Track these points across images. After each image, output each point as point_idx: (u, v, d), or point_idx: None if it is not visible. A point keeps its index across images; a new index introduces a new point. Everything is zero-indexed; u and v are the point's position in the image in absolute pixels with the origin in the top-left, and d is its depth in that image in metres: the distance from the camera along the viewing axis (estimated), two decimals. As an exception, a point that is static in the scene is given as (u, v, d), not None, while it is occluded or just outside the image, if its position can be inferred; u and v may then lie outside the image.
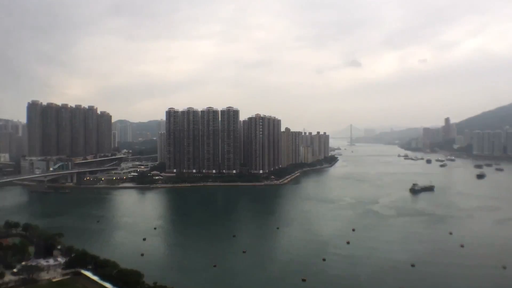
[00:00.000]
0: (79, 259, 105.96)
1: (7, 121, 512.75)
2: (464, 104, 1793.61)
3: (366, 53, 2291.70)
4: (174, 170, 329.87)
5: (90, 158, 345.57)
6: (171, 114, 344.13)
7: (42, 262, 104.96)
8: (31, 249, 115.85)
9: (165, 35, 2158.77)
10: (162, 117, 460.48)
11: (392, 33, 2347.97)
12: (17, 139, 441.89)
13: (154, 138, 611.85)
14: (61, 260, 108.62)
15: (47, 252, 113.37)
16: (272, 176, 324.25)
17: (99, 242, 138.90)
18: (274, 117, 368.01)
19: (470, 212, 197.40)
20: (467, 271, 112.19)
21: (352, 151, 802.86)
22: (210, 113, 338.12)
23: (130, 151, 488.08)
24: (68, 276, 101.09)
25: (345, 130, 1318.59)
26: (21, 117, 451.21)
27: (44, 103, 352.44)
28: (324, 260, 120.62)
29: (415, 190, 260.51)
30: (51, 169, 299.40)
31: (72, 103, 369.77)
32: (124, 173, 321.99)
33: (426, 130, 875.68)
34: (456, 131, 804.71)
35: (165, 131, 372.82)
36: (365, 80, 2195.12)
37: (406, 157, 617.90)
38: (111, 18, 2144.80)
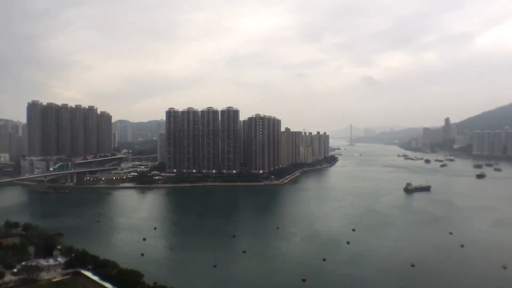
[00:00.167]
0: (79, 259, 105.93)
1: (7, 121, 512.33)
2: (464, 104, 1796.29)
3: (366, 53, 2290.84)
4: (174, 170, 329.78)
5: (90, 158, 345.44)
6: (171, 114, 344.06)
7: (42, 262, 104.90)
8: (31, 249, 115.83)
9: (165, 34, 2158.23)
10: (162, 117, 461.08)
11: (392, 33, 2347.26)
12: (17, 139, 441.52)
13: (154, 138, 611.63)
14: (61, 260, 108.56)
15: (47, 252, 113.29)
16: (272, 176, 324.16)
17: (99, 242, 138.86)
18: (274, 117, 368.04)
19: (468, 212, 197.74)
20: (467, 271, 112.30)
21: (359, 153, 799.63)
22: (210, 113, 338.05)
23: (130, 151, 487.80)
24: (68, 276, 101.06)
25: (345, 130, 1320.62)
26: (21, 117, 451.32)
27: (44, 103, 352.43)
28: (324, 260, 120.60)
29: (408, 190, 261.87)
30: (51, 169, 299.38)
31: (72, 103, 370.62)
32: (124, 173, 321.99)
33: (426, 130, 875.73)
34: (456, 131, 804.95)
35: (165, 131, 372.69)
36: (365, 80, 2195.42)
37: (405, 157, 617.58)
38: (111, 17, 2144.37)
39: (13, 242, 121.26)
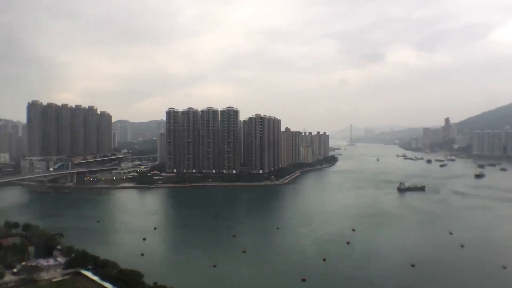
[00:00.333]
0: (79, 259, 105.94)
1: (7, 121, 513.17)
2: (464, 104, 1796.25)
3: (365, 53, 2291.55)
4: (174, 170, 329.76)
5: (90, 158, 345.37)
6: (171, 114, 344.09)
7: (42, 262, 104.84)
8: (31, 249, 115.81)
9: (165, 34, 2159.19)
10: (162, 117, 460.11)
11: (391, 33, 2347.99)
12: (17, 139, 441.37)
13: (154, 138, 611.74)
14: (61, 260, 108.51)
15: (47, 252, 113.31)
16: (272, 176, 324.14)
17: (99, 242, 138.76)
18: (274, 117, 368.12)
19: (465, 212, 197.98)
20: (467, 271, 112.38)
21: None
22: (210, 113, 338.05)
23: (130, 151, 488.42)
24: (68, 276, 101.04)
25: (345, 130, 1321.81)
26: (21, 117, 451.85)
27: (44, 103, 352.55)
28: (324, 260, 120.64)
29: (401, 189, 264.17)
30: (51, 169, 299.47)
31: (72, 103, 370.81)
32: (124, 173, 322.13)
33: (426, 130, 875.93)
34: (456, 131, 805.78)
35: (165, 131, 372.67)
36: (365, 80, 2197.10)
37: (405, 157, 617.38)
38: (111, 17, 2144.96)
39: (13, 242, 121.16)
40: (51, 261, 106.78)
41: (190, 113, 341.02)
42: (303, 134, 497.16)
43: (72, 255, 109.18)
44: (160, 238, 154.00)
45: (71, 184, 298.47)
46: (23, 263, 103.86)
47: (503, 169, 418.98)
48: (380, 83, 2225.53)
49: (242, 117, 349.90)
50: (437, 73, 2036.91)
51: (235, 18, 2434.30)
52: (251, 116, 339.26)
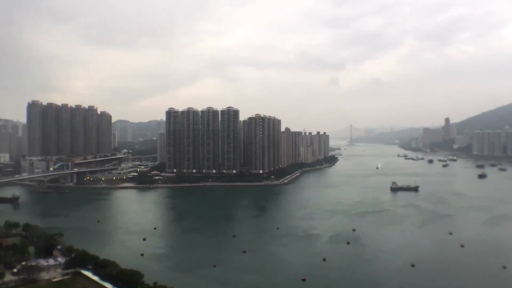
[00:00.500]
0: (79, 259, 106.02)
1: (7, 121, 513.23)
2: (464, 104, 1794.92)
3: (365, 53, 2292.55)
4: (174, 170, 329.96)
5: (90, 158, 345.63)
6: (171, 114, 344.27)
7: (42, 262, 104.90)
8: (31, 249, 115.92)
9: (164, 33, 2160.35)
10: (162, 117, 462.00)
11: (391, 33, 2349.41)
12: (17, 139, 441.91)
13: (154, 138, 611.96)
14: (61, 260, 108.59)
15: (47, 252, 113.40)
16: (272, 176, 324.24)
17: (99, 242, 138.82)
18: (274, 117, 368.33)
19: (465, 212, 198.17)
20: (467, 271, 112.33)
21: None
22: (210, 113, 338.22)
23: (130, 151, 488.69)
24: (68, 276, 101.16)
25: (345, 130, 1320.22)
26: (21, 117, 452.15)
27: (44, 103, 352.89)
28: (324, 260, 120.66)
29: (392, 189, 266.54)
30: (51, 169, 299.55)
31: (72, 103, 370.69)
32: (124, 173, 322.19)
33: (426, 130, 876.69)
34: (456, 131, 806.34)
35: (165, 131, 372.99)
36: (365, 80, 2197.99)
37: (406, 157, 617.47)
38: (110, 17, 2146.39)
39: (13, 242, 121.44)
40: (51, 261, 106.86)
41: (190, 113, 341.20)
42: (303, 134, 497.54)
43: (72, 255, 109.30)
44: (160, 238, 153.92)
45: (71, 184, 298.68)
46: (23, 263, 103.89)
47: (502, 169, 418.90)
48: (380, 82, 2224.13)
49: (242, 117, 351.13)
50: (437, 73, 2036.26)
51: (235, 17, 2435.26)
52: (251, 116, 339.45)
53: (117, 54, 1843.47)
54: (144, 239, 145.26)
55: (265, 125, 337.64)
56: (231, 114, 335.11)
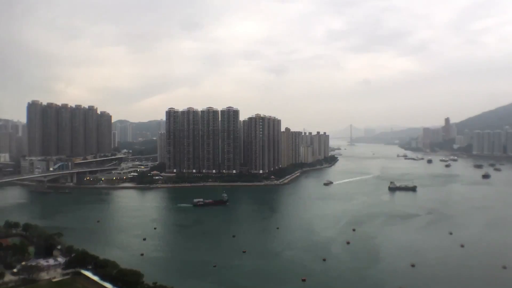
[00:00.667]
0: (79, 259, 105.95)
1: (7, 121, 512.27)
2: (464, 104, 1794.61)
3: (365, 53, 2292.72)
4: (174, 170, 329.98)
5: (90, 158, 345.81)
6: (171, 114, 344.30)
7: (42, 262, 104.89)
8: (31, 249, 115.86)
9: (164, 33, 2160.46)
10: (162, 117, 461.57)
11: (391, 32, 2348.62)
12: (17, 139, 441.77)
13: (154, 138, 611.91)
14: (61, 260, 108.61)
15: (47, 252, 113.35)
16: (272, 176, 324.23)
17: (99, 242, 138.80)
18: (274, 117, 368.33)
19: (466, 212, 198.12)
20: (467, 271, 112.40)
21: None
22: (210, 113, 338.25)
23: (130, 151, 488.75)
24: (68, 276, 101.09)
25: (345, 130, 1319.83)
26: (21, 117, 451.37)
27: (44, 103, 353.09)
28: (324, 260, 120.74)
29: (390, 188, 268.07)
30: (51, 169, 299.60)
31: (72, 103, 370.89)
32: (124, 173, 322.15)
33: (426, 130, 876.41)
34: (456, 131, 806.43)
35: (165, 131, 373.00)
36: (365, 80, 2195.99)
37: (406, 157, 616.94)
38: (110, 17, 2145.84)
39: (13, 242, 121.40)
40: (51, 261, 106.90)
41: (190, 113, 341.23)
42: (303, 134, 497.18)
43: (72, 255, 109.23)
44: (160, 238, 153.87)
45: (71, 184, 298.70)
46: (23, 263, 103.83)
47: (497, 169, 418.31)
48: (380, 82, 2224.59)
49: (242, 117, 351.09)
50: (437, 73, 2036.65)
51: (234, 17, 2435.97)
52: (251, 116, 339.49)
53: (118, 54, 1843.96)
54: (144, 239, 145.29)
55: (265, 125, 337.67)
56: (231, 114, 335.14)
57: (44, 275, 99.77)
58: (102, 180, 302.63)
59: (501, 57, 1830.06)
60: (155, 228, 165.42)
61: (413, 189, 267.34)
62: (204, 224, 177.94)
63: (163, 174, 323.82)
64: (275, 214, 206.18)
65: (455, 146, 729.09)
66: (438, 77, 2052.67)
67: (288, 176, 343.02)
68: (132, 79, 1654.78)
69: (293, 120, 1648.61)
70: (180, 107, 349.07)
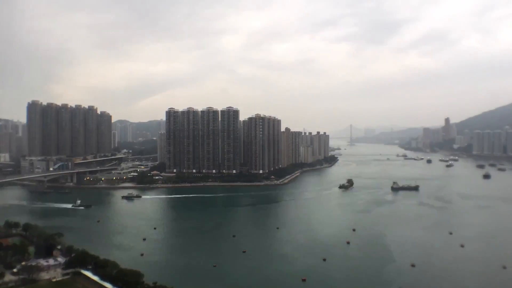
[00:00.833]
0: (79, 259, 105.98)
1: (7, 121, 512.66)
2: (464, 104, 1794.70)
3: (365, 53, 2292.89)
4: (174, 170, 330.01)
5: (90, 158, 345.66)
6: (171, 114, 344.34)
7: (42, 262, 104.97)
8: (31, 249, 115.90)
9: (165, 33, 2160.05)
10: (162, 117, 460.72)
11: (391, 33, 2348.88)
12: (17, 139, 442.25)
13: (154, 138, 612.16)
14: (61, 260, 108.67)
15: (47, 252, 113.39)
16: (272, 176, 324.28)
17: (99, 242, 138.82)
18: (274, 117, 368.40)
19: (465, 212, 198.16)
20: (467, 271, 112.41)
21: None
22: (210, 113, 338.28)
23: (130, 151, 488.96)
24: (68, 276, 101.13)
25: (345, 130, 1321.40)
26: (21, 117, 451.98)
27: (44, 103, 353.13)
28: (324, 260, 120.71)
29: (393, 188, 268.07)
30: (51, 169, 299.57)
31: (72, 103, 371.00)
32: (124, 173, 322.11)
33: (426, 130, 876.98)
34: (456, 131, 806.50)
35: (165, 131, 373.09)
36: (365, 80, 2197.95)
37: (406, 157, 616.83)
38: (110, 17, 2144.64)
39: (13, 242, 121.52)
40: (51, 261, 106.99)
41: (190, 113, 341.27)
42: (303, 134, 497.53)
43: (72, 255, 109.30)
44: (160, 238, 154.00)
45: (71, 184, 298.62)
46: (23, 263, 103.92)
47: (501, 169, 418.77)
48: (380, 82, 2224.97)
49: (242, 117, 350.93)
50: (437, 73, 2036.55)
51: (234, 16, 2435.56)
52: (251, 116, 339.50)
53: (117, 54, 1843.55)
54: (144, 239, 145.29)
55: (265, 125, 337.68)
56: (231, 114, 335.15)
57: (44, 275, 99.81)
58: (102, 180, 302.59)
59: (501, 57, 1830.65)
60: (155, 228, 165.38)
61: (415, 188, 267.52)
62: (204, 224, 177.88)
63: (163, 174, 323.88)
64: (275, 214, 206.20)
65: (455, 146, 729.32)
66: (438, 77, 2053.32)
67: (288, 176, 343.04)
68: (132, 79, 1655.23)
69: (293, 120, 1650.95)
70: (180, 107, 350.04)
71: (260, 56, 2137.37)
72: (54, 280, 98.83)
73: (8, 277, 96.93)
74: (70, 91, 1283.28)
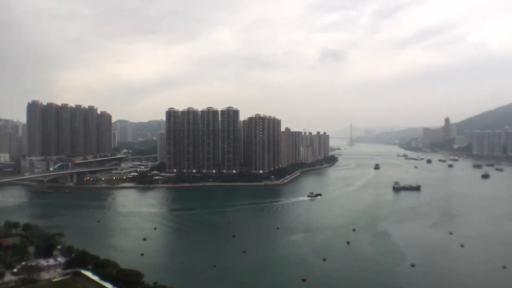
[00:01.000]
0: (79, 259, 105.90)
1: (7, 121, 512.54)
2: (464, 104, 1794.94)
3: (365, 52, 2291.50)
4: (174, 170, 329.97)
5: (90, 158, 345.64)
6: (171, 114, 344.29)
7: (42, 262, 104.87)
8: (31, 249, 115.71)
9: (166, 33, 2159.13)
10: (162, 117, 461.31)
11: (391, 32, 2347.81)
12: (17, 139, 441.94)
13: (154, 138, 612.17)
14: (61, 260, 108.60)
15: (47, 252, 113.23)
16: (272, 176, 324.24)
17: (99, 242, 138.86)
18: (274, 117, 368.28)
19: (462, 212, 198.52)
20: (467, 271, 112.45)
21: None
22: (210, 113, 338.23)
23: (130, 151, 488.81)
24: (68, 276, 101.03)
25: (345, 130, 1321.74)
26: (21, 117, 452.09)
27: (44, 103, 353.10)
28: (324, 260, 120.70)
29: (395, 188, 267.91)
30: (51, 169, 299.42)
31: (72, 103, 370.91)
32: (124, 173, 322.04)
33: (426, 130, 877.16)
34: (456, 131, 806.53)
35: (165, 131, 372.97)
36: (365, 80, 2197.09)
37: (406, 157, 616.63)
38: (110, 16, 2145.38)
39: (13, 242, 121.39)
40: (51, 261, 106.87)
41: (190, 113, 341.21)
42: (303, 134, 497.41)
43: (72, 255, 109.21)
44: (160, 238, 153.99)
45: (71, 184, 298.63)
46: (23, 263, 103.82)
47: (499, 169, 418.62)
48: (380, 82, 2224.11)
49: (242, 117, 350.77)
50: (437, 73, 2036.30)
51: (234, 16, 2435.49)
52: (251, 116, 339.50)
53: (118, 54, 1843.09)
54: (144, 239, 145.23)
55: (265, 125, 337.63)
56: (231, 114, 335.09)
57: (44, 275, 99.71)
58: (102, 180, 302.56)
59: (501, 57, 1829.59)
60: (155, 228, 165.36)
61: (417, 188, 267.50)
62: (204, 224, 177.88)
63: (163, 174, 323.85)
64: (275, 214, 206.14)
65: (455, 146, 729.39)
66: (438, 77, 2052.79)
67: (288, 176, 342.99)
68: (132, 78, 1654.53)
69: (293, 120, 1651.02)
70: (180, 107, 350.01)
71: (260, 56, 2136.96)
72: (54, 280, 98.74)
73: (8, 277, 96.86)
74: (70, 91, 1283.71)
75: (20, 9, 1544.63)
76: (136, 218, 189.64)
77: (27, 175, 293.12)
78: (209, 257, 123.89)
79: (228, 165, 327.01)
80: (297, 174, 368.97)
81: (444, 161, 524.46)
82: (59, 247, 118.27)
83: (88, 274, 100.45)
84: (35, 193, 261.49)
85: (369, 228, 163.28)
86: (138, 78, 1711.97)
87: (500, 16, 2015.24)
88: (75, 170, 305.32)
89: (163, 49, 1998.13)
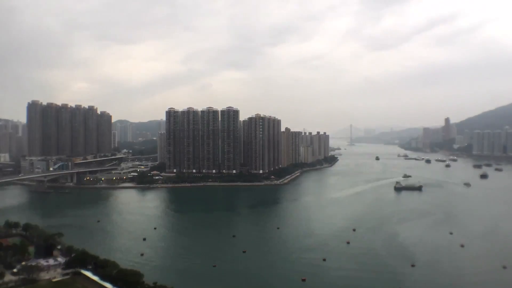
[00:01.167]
0: (79, 259, 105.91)
1: (7, 121, 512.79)
2: (464, 104, 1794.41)
3: (365, 53, 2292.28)
4: (174, 170, 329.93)
5: (90, 158, 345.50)
6: (171, 114, 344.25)
7: (42, 262, 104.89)
8: (31, 249, 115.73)
9: (165, 33, 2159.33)
10: (162, 117, 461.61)
11: (391, 33, 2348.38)
12: (17, 139, 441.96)
13: (154, 138, 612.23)
14: (61, 260, 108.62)
15: (47, 252, 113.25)
16: (272, 176, 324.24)
17: (99, 242, 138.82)
18: (274, 117, 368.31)
19: (462, 212, 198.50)
20: (467, 271, 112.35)
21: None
22: (210, 113, 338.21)
23: (130, 151, 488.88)
24: (68, 276, 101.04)
25: (345, 130, 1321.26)
26: (21, 117, 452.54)
27: (44, 103, 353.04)
28: (324, 260, 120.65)
29: (396, 188, 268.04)
30: (51, 169, 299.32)
31: (72, 103, 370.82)
32: (124, 173, 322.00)
33: (426, 130, 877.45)
34: (456, 131, 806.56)
35: (165, 131, 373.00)
36: (365, 79, 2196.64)
37: (406, 157, 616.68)
38: (110, 16, 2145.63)
39: (13, 242, 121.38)
40: (51, 261, 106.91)
41: (190, 113, 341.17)
42: (303, 134, 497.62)
43: (72, 255, 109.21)
44: (160, 238, 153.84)
45: (71, 184, 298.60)
46: (23, 263, 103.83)
47: (498, 169, 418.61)
48: (381, 82, 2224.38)
49: (242, 117, 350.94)
50: (437, 73, 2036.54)
51: (234, 16, 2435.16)
52: (251, 116, 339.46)
53: (118, 54, 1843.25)
54: (144, 239, 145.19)
55: (265, 125, 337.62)
56: (231, 114, 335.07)
57: (44, 275, 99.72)
58: (102, 180, 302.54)
59: (501, 57, 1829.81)
60: (155, 228, 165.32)
61: (419, 188, 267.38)
62: (204, 224, 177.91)
63: (163, 174, 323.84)
64: (275, 214, 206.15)
65: (455, 146, 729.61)
66: (438, 77, 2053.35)
67: (288, 176, 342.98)
68: (132, 78, 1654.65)
69: (293, 120, 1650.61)
70: (180, 107, 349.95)
71: (260, 56, 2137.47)
72: (54, 280, 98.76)
73: (8, 277, 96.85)
74: (70, 91, 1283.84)
75: (20, 9, 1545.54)
76: (136, 218, 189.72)
77: (27, 175, 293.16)
78: (209, 257, 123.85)
79: (228, 165, 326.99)
80: (297, 174, 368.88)
81: (444, 161, 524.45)
82: (59, 247, 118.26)
83: (88, 274, 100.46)
84: (35, 193, 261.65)
85: (370, 228, 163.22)
86: (138, 78, 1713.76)
87: (500, 16, 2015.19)
88: (75, 170, 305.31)
89: (163, 48, 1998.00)
